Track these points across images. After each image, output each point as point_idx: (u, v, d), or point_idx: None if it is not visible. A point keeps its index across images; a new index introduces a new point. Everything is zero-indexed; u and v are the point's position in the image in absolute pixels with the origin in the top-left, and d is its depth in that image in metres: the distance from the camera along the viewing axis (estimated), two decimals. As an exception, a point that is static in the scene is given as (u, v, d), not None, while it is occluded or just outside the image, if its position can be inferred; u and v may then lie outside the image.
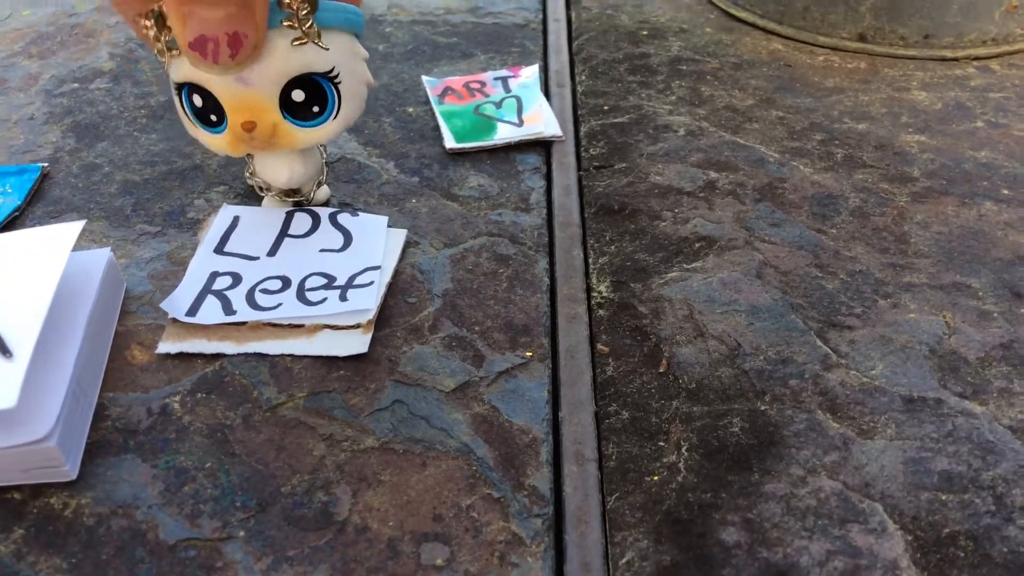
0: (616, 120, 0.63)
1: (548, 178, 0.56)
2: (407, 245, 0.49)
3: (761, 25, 0.76)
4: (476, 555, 0.33)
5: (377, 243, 0.47)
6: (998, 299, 0.46)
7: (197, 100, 0.41)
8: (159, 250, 0.48)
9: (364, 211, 0.50)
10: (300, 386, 0.40)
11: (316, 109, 0.42)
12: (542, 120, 0.60)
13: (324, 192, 0.51)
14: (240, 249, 0.47)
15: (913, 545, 0.34)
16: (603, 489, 0.36)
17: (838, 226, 0.51)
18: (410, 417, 0.39)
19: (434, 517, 0.34)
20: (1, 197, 0.52)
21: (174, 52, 0.39)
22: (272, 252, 0.46)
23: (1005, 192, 0.54)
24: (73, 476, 0.36)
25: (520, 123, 0.60)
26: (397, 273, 0.47)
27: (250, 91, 0.39)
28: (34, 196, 0.53)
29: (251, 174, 0.48)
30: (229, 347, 0.41)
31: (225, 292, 0.44)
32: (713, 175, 0.56)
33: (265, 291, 0.44)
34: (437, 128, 0.60)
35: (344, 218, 0.48)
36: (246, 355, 0.41)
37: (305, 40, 0.39)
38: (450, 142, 0.58)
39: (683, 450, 0.38)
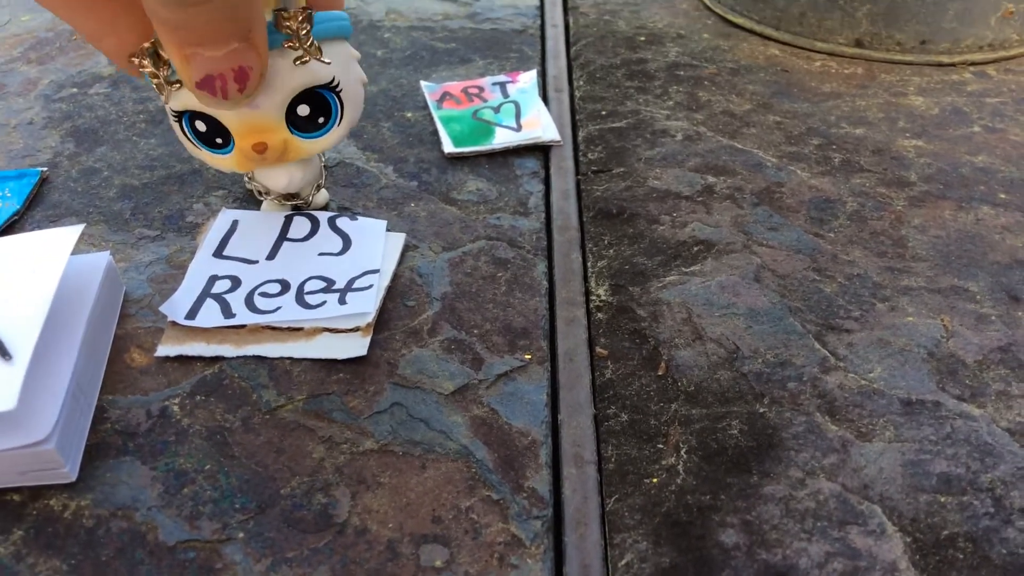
0: (614, 125, 0.63)
1: (546, 182, 0.56)
2: (406, 249, 0.49)
3: (758, 31, 0.77)
4: (475, 557, 0.33)
5: (376, 247, 0.47)
6: (996, 302, 0.46)
7: (200, 126, 0.41)
8: (158, 254, 0.49)
9: (363, 215, 0.50)
10: (299, 389, 0.40)
11: (321, 120, 0.42)
12: (540, 125, 0.60)
13: (323, 196, 0.51)
14: (239, 253, 0.47)
15: (912, 547, 0.34)
16: (602, 491, 0.36)
17: (836, 230, 0.51)
18: (409, 420, 0.39)
19: (433, 519, 0.34)
20: (0, 201, 0.52)
21: (175, 85, 0.38)
22: (271, 256, 0.46)
23: (1002, 196, 0.54)
24: (73, 478, 0.36)
25: (518, 128, 0.60)
26: (396, 277, 0.47)
27: (257, 114, 0.40)
28: (33, 200, 0.53)
29: (250, 179, 0.49)
30: (228, 350, 0.41)
31: (224, 295, 0.44)
32: (711, 179, 0.56)
33: (264, 294, 0.44)
34: (435, 133, 0.60)
35: (343, 222, 0.49)
36: (245, 358, 0.41)
37: (308, 58, 0.39)
38: (448, 147, 0.58)
39: (682, 452, 0.38)
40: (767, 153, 0.59)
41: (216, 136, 0.41)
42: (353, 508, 0.35)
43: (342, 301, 0.43)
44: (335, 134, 0.43)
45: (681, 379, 0.41)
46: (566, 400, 0.40)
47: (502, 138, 0.59)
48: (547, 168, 0.57)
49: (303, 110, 0.41)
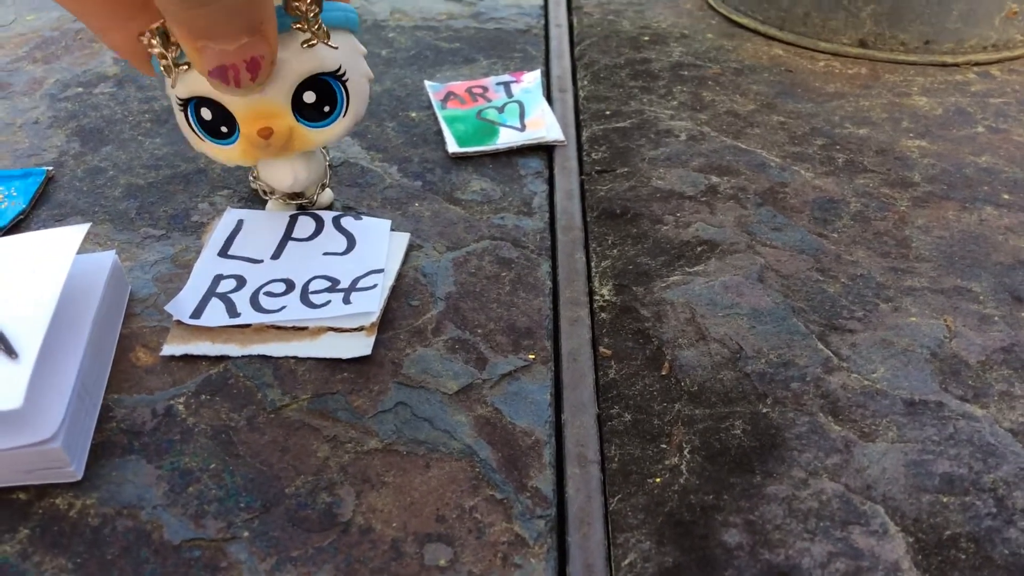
0: (618, 125, 0.63)
1: (550, 182, 0.56)
2: (410, 248, 0.49)
3: (762, 31, 0.77)
4: (479, 556, 0.33)
5: (380, 246, 0.47)
6: (999, 303, 0.46)
7: (206, 114, 0.41)
8: (163, 253, 0.49)
9: (367, 215, 0.50)
10: (304, 388, 0.40)
11: (327, 109, 0.42)
12: (544, 125, 0.60)
13: (327, 196, 0.51)
14: (244, 252, 0.47)
15: (914, 547, 0.34)
16: (605, 491, 0.37)
17: (839, 230, 0.51)
18: (413, 419, 0.39)
19: (437, 518, 0.35)
20: (6, 200, 0.52)
21: (183, 67, 0.39)
22: (276, 255, 0.46)
23: (1006, 197, 0.54)
24: (78, 477, 0.36)
25: (522, 128, 0.60)
26: (400, 276, 0.47)
27: (264, 99, 0.40)
28: (39, 199, 0.53)
29: (255, 178, 0.49)
30: (233, 349, 0.42)
31: (229, 295, 0.44)
32: (715, 179, 0.56)
33: (269, 294, 0.44)
34: (440, 133, 0.60)
35: (347, 221, 0.49)
36: (250, 357, 0.41)
37: (315, 41, 0.39)
38: (453, 146, 0.58)
39: (685, 452, 0.38)
40: (771, 153, 0.59)
41: (221, 124, 0.41)
42: (357, 507, 0.35)
43: (346, 301, 0.43)
44: (340, 125, 0.43)
45: (684, 379, 0.41)
46: (570, 400, 0.40)
47: (506, 138, 0.59)
48: (551, 168, 0.57)
49: (309, 97, 0.41)
